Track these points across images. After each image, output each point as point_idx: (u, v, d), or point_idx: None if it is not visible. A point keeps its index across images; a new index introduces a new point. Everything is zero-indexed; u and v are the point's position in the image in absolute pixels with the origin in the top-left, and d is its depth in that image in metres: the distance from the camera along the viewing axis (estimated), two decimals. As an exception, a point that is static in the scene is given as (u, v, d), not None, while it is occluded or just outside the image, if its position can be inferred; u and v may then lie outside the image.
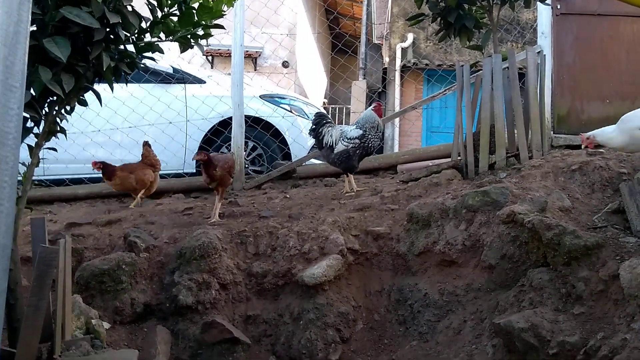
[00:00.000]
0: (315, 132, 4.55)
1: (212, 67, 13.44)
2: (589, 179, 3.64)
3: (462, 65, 4.59)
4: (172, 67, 6.23)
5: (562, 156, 4.23)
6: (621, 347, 2.27)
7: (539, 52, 4.86)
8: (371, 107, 4.48)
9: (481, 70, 4.46)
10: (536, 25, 5.58)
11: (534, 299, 2.78)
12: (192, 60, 9.33)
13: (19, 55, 1.63)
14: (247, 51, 11.77)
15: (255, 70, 13.72)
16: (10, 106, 1.61)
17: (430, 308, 3.22)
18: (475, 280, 3.17)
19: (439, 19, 4.73)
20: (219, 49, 12.66)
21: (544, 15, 5.50)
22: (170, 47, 3.25)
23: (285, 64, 13.47)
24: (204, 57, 13.28)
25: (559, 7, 5.75)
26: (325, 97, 16.37)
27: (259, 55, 13.93)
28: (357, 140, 4.33)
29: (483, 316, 2.99)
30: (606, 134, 3.45)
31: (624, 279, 2.47)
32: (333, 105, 13.85)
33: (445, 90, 5.54)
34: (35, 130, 2.58)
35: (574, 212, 3.28)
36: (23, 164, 2.56)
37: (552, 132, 5.02)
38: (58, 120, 2.65)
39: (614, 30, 6.15)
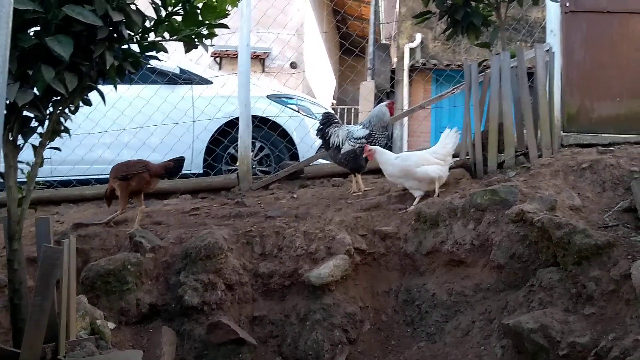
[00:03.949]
0: (322, 133, 4.54)
1: (220, 69, 13.43)
2: (600, 178, 3.59)
3: (470, 64, 4.54)
4: (179, 67, 6.22)
5: (572, 154, 4.18)
6: (633, 348, 2.23)
7: (547, 50, 4.80)
8: (384, 103, 4.45)
9: (489, 68, 4.41)
10: (545, 24, 5.53)
11: (543, 299, 2.74)
12: (199, 61, 9.33)
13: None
14: (255, 52, 11.75)
15: (263, 71, 13.69)
16: None
17: (438, 308, 3.18)
18: (484, 280, 3.13)
19: (446, 16, 4.69)
20: (226, 50, 12.63)
21: (552, 13, 5.42)
22: (177, 48, 3.23)
23: (293, 65, 13.40)
24: (212, 58, 13.28)
25: (568, 4, 5.65)
26: (334, 98, 16.31)
27: (267, 56, 13.90)
28: (363, 140, 4.30)
29: (492, 317, 2.95)
30: (385, 159, 3.93)
31: (636, 279, 2.43)
32: (341, 106, 13.79)
33: (453, 89, 5.48)
34: (40, 130, 2.57)
35: (584, 210, 3.24)
36: (27, 163, 2.57)
37: (561, 131, 4.95)
38: (62, 119, 2.65)
39: (624, 27, 6.05)
